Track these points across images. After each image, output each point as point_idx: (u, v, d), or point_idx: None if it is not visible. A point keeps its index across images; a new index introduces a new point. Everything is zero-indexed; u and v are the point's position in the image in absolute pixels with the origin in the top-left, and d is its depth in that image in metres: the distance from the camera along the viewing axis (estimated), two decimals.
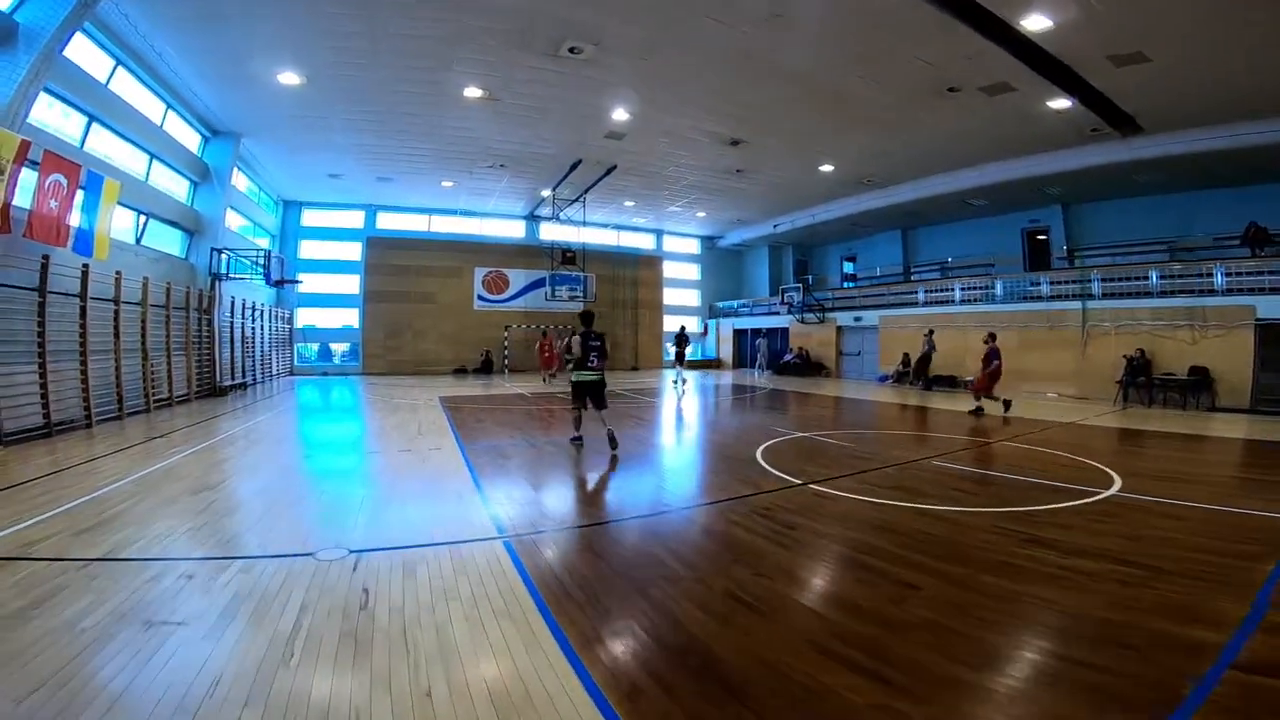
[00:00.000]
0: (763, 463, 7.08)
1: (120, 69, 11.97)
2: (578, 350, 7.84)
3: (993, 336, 12.87)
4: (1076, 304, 16.21)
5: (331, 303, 24.23)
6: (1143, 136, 14.50)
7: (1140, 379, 14.52)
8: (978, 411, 12.10)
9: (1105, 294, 15.96)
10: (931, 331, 18.75)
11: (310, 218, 24.10)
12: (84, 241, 10.03)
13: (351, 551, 4.17)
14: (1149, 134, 14.37)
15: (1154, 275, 15.24)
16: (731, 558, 4.09)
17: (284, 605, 3.35)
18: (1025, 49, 10.97)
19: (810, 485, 5.97)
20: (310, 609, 3.31)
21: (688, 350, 20.54)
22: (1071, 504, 5.46)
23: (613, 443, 7.56)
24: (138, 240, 13.43)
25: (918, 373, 18.81)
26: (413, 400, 14.47)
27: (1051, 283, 17.17)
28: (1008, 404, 12.20)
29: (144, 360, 12.13)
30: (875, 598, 3.50)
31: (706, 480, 6.75)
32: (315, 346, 24.63)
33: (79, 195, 9.74)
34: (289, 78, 12.70)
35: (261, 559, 4.06)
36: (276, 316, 21.82)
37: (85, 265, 10.18)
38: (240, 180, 19.33)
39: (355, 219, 24.47)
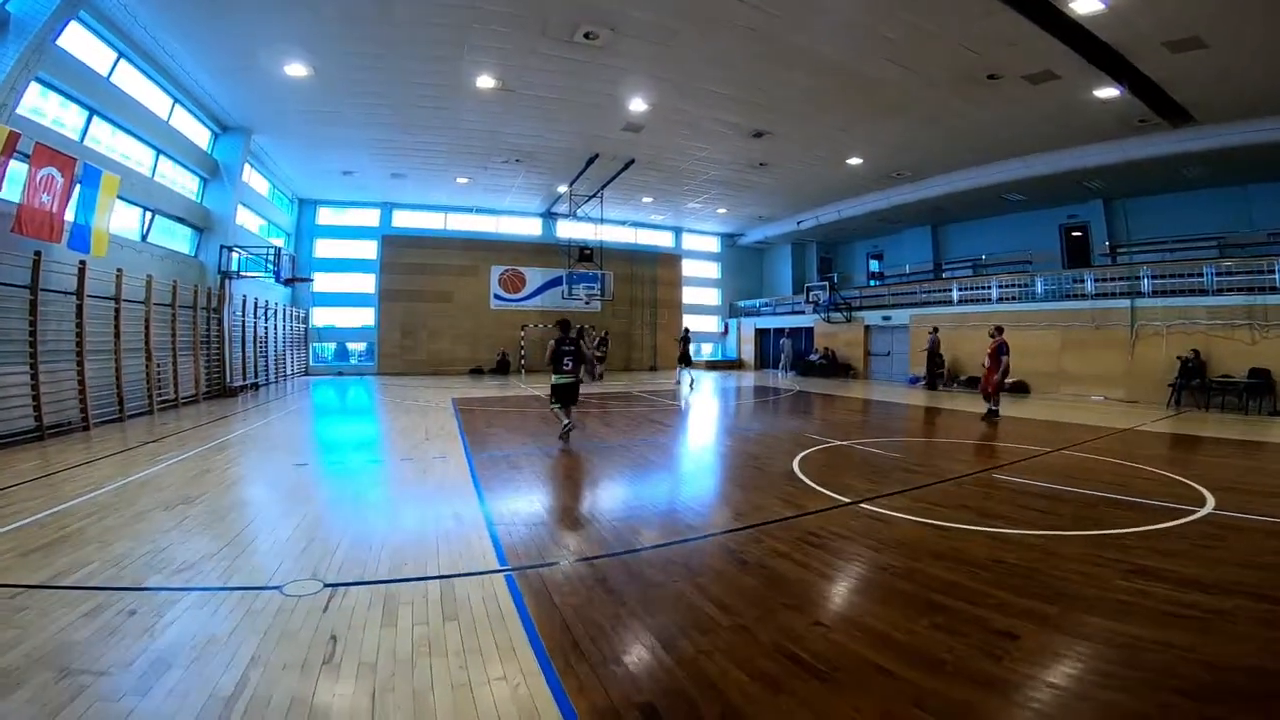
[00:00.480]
0: (802, 476, 6.33)
1: (123, 62, 11.60)
2: (549, 355, 8.54)
3: (999, 330, 11.90)
4: (1124, 302, 15.22)
5: (348, 302, 23.89)
6: (1193, 127, 13.63)
7: (1195, 381, 13.55)
8: (992, 415, 11.24)
9: (1155, 291, 14.96)
10: (936, 330, 18.59)
11: (326, 216, 23.81)
12: (80, 237, 9.61)
13: (326, 585, 3.55)
14: (1200, 125, 13.50)
15: (1209, 272, 14.23)
16: (780, 599, 3.37)
17: (232, 655, 2.74)
18: (1073, 34, 10.21)
19: (861, 504, 5.22)
20: (262, 662, 2.69)
21: (706, 351, 20.00)
22: (1166, 525, 4.70)
23: (565, 430, 8.40)
24: (143, 237, 13.05)
25: (929, 372, 18.61)
26: (424, 402, 13.93)
27: (1097, 280, 16.17)
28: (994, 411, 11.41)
29: (148, 360, 11.73)
30: (964, 650, 2.80)
31: (741, 498, 5.83)
32: (332, 346, 24.26)
33: (75, 190, 9.33)
34: (296, 69, 12.27)
35: (220, 592, 3.47)
36: (291, 316, 21.51)
37: (82, 262, 9.76)
38: (258, 180, 19.13)
39: (371, 217, 24.10)
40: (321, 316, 23.79)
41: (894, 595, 3.43)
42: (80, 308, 9.77)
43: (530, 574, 3.69)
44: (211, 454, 7.59)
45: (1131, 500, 5.42)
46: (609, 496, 5.84)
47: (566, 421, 8.47)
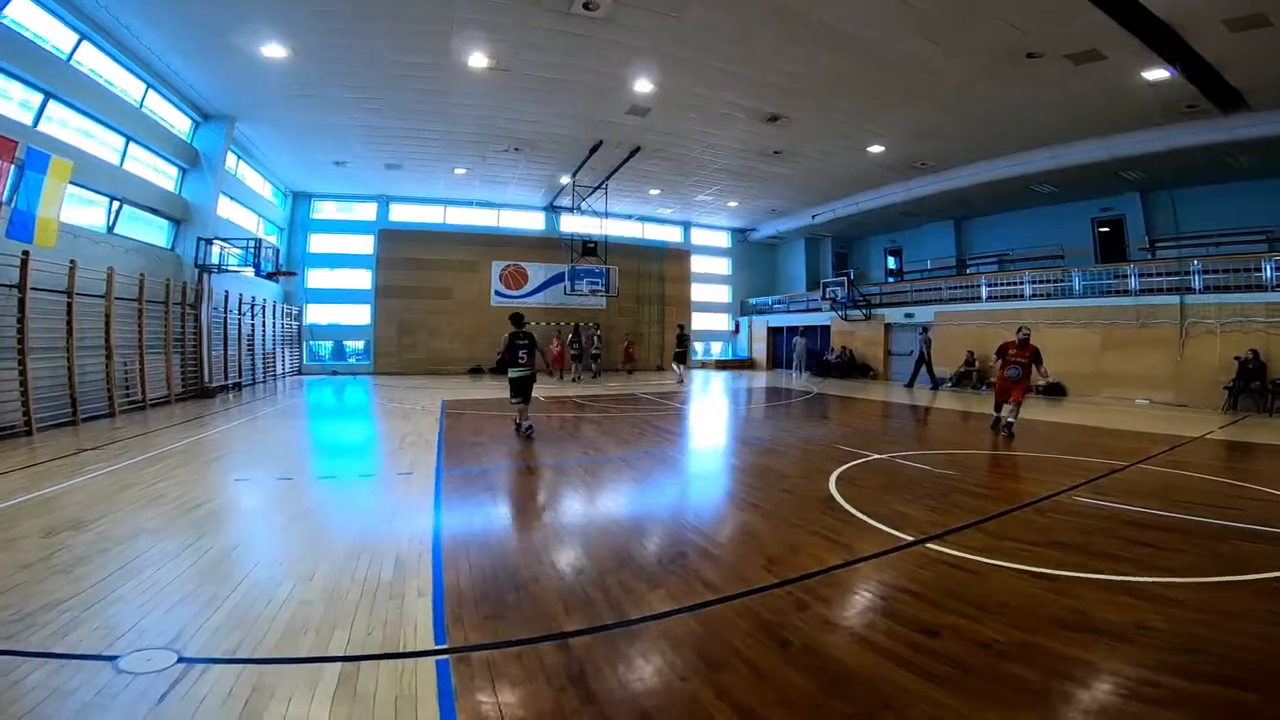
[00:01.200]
0: (842, 501, 5.10)
1: (87, 44, 10.76)
2: (503, 349, 8.75)
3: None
4: (1173, 298, 13.98)
5: (344, 298, 22.92)
6: (1246, 114, 12.48)
7: (1255, 384, 12.35)
8: (1007, 427, 8.97)
9: (1206, 287, 13.73)
10: (926, 329, 18.62)
11: (322, 210, 22.94)
12: (22, 225, 8.67)
13: (181, 659, 2.50)
14: (1254, 111, 12.35)
15: (1268, 266, 12.98)
16: (845, 708, 2.24)
17: None
18: (1125, 9, 9.27)
19: (928, 544, 4.01)
20: None
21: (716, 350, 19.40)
22: None
23: (523, 430, 8.73)
24: (110, 229, 12.09)
25: (917, 372, 18.27)
26: (412, 404, 12.89)
27: (1141, 275, 14.93)
28: (999, 421, 9.31)
29: (108, 359, 10.77)
30: None
31: (771, 535, 4.38)
32: (329, 344, 23.33)
33: (16, 174, 8.39)
34: (273, 50, 11.40)
35: (34, 659, 2.45)
36: (284, 313, 20.61)
37: (25, 252, 8.78)
38: (248, 173, 18.34)
39: (368, 211, 23.20)
40: (318, 314, 22.83)
41: (1019, 694, 2.27)
42: (22, 301, 8.78)
43: (475, 660, 2.56)
44: (147, 465, 6.55)
45: (1264, 530, 4.27)
46: (600, 535, 4.52)
47: (527, 422, 8.78)
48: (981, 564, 3.68)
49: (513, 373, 8.70)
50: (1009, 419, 8.97)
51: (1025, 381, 9.15)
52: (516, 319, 9.06)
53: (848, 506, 4.94)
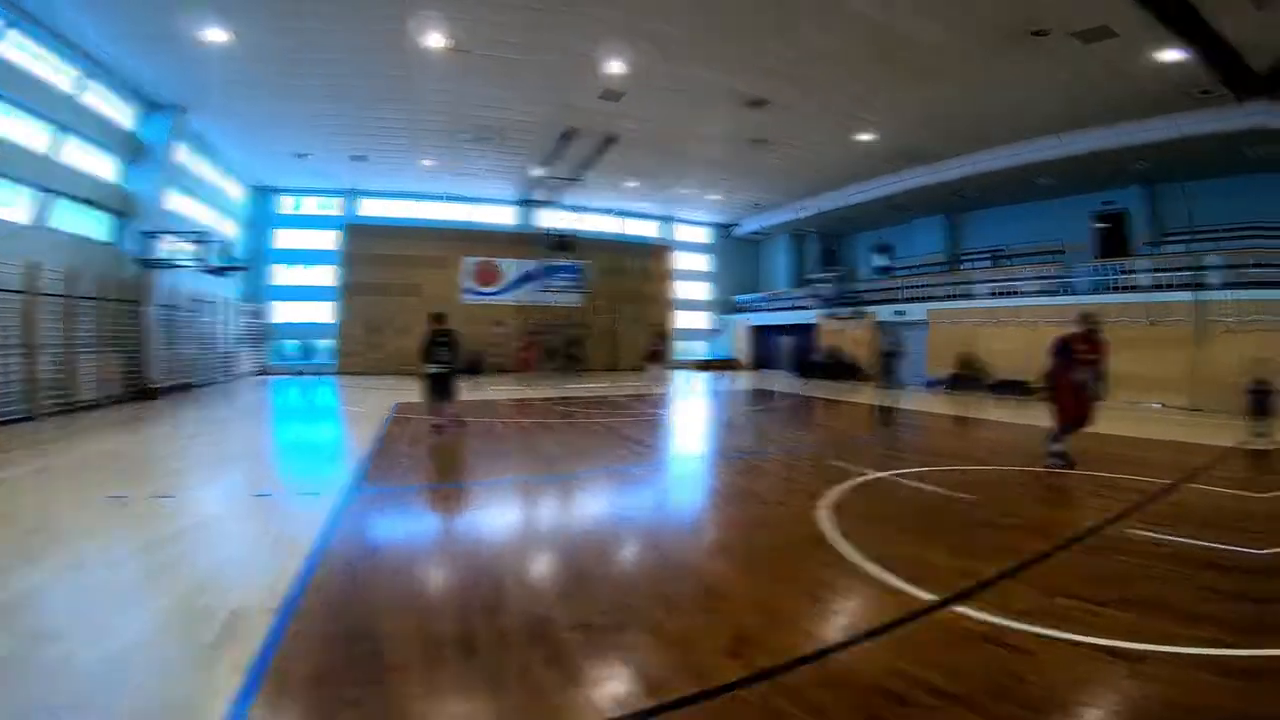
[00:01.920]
0: (839, 542, 3.94)
1: (14, 31, 9.95)
2: (421, 346, 8.73)
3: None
4: (1186, 295, 13.14)
5: (313, 296, 21.88)
6: (1263, 100, 11.76)
7: None
8: (1067, 462, 6.47)
9: (1225, 283, 12.93)
10: (896, 330, 18.65)
11: (288, 204, 22.01)
12: None
13: None
14: (1274, 99, 11.63)
15: None
16: None
17: None
18: None
19: (955, 607, 2.96)
20: None
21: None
22: None
23: (460, 423, 8.90)
24: (37, 222, 11.00)
25: (885, 372, 17.31)
26: (362, 408, 11.91)
27: (1153, 270, 14.07)
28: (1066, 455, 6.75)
29: (27, 359, 9.72)
30: None
31: (745, 595, 3.25)
32: (297, 343, 22.25)
33: None
34: (215, 34, 10.63)
35: None
36: (245, 311, 19.59)
37: None
38: (205, 165, 17.28)
39: (335, 206, 22.20)
40: (285, 312, 21.82)
41: None
42: None
43: None
44: (22, 478, 5.50)
45: None
46: (517, 590, 3.27)
47: (439, 421, 8.75)
48: (1033, 636, 2.66)
49: (428, 369, 8.63)
50: (1063, 446, 6.52)
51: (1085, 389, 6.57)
52: (437, 317, 8.97)
53: (846, 548, 3.83)
